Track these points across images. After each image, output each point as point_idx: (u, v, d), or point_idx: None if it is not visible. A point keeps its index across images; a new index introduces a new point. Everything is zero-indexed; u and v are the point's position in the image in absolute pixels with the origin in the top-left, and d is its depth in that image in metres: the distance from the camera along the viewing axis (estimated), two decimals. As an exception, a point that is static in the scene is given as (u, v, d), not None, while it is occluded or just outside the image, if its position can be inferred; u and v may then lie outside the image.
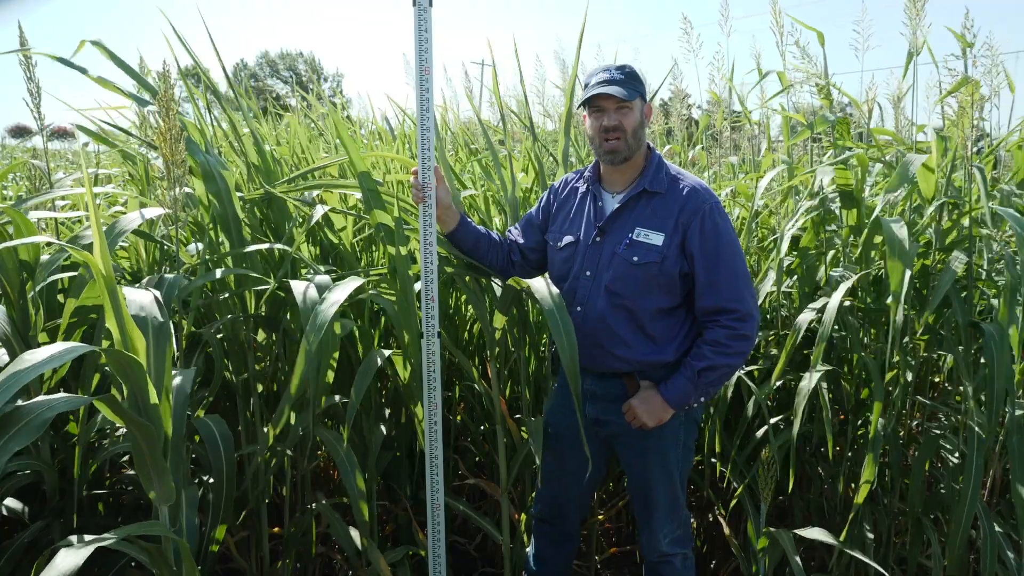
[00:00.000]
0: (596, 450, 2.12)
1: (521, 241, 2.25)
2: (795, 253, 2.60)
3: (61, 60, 1.92)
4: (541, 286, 1.94)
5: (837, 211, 2.55)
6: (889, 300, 2.04)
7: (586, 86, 2.04)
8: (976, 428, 2.09)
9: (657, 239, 1.95)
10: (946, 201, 2.26)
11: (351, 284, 1.87)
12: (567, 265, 2.09)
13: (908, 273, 1.98)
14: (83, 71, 1.97)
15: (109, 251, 1.74)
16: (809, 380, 2.17)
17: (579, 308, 2.03)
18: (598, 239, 2.03)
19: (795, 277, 2.64)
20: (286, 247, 2.09)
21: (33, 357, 1.22)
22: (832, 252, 2.56)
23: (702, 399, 2.01)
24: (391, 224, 2.07)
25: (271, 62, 45.19)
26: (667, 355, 2.00)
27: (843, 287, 2.18)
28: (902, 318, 2.04)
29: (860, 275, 2.32)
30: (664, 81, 3.17)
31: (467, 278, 2.29)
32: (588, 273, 2.03)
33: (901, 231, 2.05)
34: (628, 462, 2.15)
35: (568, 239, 2.10)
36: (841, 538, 2.16)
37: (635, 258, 1.95)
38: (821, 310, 2.25)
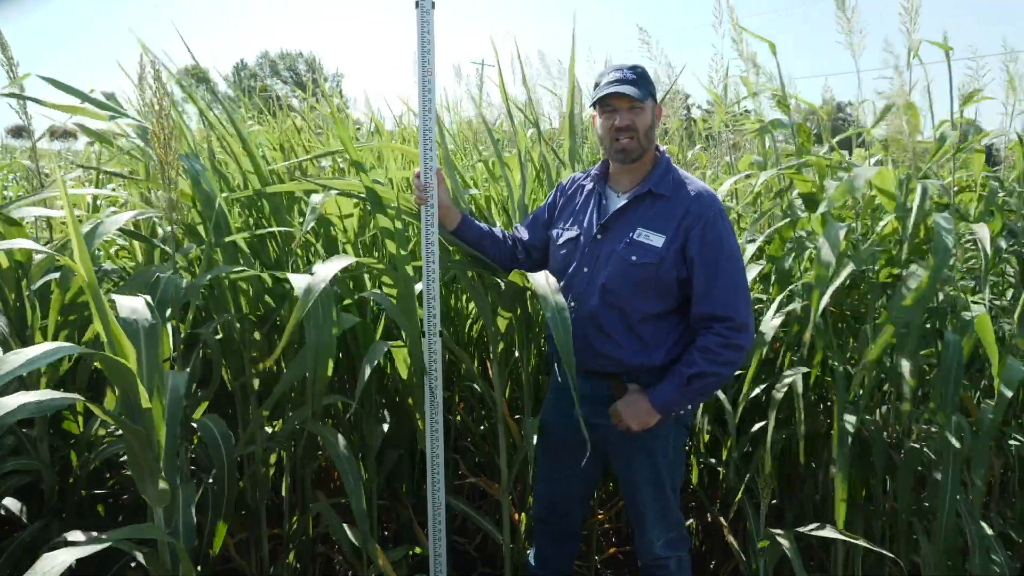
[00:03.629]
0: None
1: (526, 238, 2.25)
2: (764, 260, 2.58)
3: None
4: (540, 279, 1.93)
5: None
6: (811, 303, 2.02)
7: (597, 85, 2.03)
8: (951, 434, 2.05)
9: (657, 241, 1.94)
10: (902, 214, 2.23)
11: (342, 261, 1.84)
12: (566, 261, 2.09)
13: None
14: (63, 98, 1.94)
15: (88, 250, 1.74)
16: (779, 390, 2.16)
17: (572, 304, 2.01)
18: (599, 236, 2.03)
19: (771, 281, 2.60)
20: (286, 233, 2.08)
21: (16, 358, 1.18)
22: (807, 253, 2.52)
23: (688, 407, 2.00)
24: (391, 227, 2.07)
25: (271, 62, 45.19)
26: (655, 359, 1.99)
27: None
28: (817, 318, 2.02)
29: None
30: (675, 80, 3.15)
31: (470, 273, 2.29)
32: (586, 270, 2.03)
33: (836, 237, 2.00)
34: (617, 465, 2.15)
35: (569, 235, 2.10)
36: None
37: (633, 258, 1.95)
38: (789, 315, 2.25)
